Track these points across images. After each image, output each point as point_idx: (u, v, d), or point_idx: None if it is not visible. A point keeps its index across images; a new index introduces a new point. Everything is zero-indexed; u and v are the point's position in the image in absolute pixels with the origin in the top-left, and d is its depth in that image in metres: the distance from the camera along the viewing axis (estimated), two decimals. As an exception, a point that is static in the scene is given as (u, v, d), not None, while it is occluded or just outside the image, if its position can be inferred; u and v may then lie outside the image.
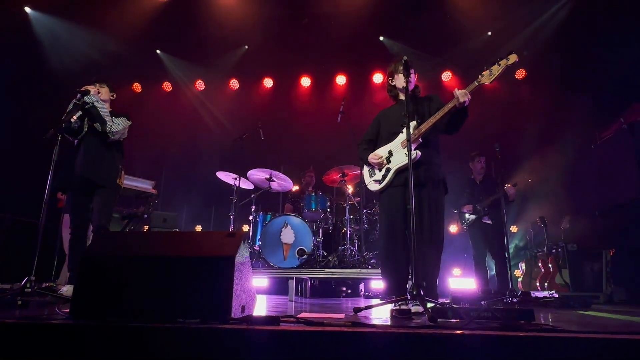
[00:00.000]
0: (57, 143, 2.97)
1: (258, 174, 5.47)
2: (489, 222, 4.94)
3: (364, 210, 5.31)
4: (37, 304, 2.53)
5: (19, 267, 5.47)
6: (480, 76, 2.76)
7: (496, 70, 2.70)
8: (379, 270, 4.21)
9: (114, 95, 3.74)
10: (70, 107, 3.28)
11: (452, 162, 5.19)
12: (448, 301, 3.38)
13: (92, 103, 3.40)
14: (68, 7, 6.63)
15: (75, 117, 3.41)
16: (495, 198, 4.73)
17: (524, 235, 6.61)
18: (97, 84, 3.58)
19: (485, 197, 4.96)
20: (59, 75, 6.71)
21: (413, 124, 2.80)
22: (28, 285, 2.57)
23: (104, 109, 3.47)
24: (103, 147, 3.51)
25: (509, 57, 2.68)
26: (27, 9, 6.69)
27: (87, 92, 3.37)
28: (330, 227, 5.33)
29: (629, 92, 5.77)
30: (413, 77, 2.96)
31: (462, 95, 2.70)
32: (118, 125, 3.51)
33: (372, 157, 3.03)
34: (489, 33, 7.14)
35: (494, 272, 5.34)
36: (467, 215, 5.07)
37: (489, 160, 5.28)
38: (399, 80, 3.00)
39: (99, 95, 3.55)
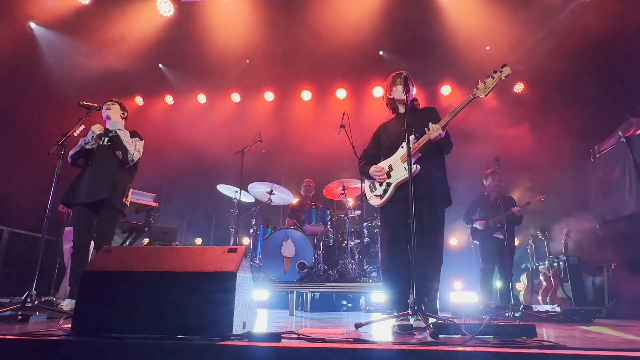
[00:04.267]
0: (60, 157, 2.99)
1: (259, 187, 5.48)
2: (501, 236, 4.95)
3: (365, 224, 5.31)
4: (38, 319, 2.52)
5: (18, 281, 5.47)
6: (475, 89, 2.79)
7: (490, 83, 2.74)
8: (380, 284, 4.20)
9: (125, 114, 3.78)
10: (82, 127, 3.32)
11: (462, 176, 5.25)
12: (449, 316, 3.36)
13: (115, 131, 3.49)
14: (72, 22, 6.73)
15: (77, 132, 3.45)
16: (506, 216, 4.76)
17: (525, 248, 6.59)
18: (110, 102, 3.64)
19: (496, 213, 5.00)
20: (62, 88, 6.78)
21: (412, 137, 2.81)
22: (29, 299, 2.55)
23: (127, 137, 3.55)
24: (114, 167, 3.55)
25: (502, 69, 2.72)
26: (32, 25, 6.79)
27: (99, 108, 3.47)
28: (331, 241, 5.32)
29: (627, 106, 5.82)
30: (412, 90, 2.99)
31: (433, 131, 2.74)
32: (138, 153, 3.63)
33: (374, 170, 3.03)
34: (488, 47, 7.22)
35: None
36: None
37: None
38: (397, 93, 3.03)
39: (109, 112, 3.61)
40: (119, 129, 3.53)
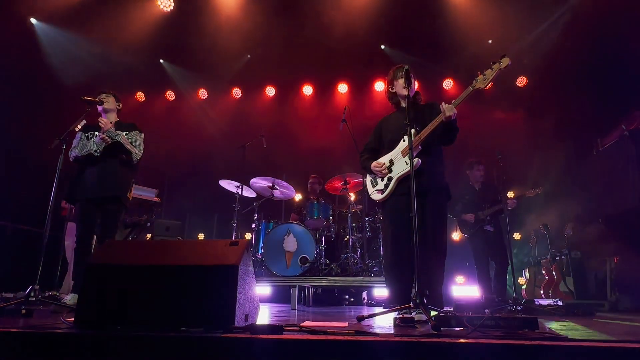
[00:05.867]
0: (62, 152, 3.00)
1: (260, 182, 5.48)
2: (491, 229, 4.94)
3: (366, 218, 5.31)
4: (41, 313, 2.53)
5: (21, 276, 5.49)
6: (474, 81, 2.79)
7: (490, 74, 2.74)
8: (382, 278, 4.21)
9: (120, 105, 3.80)
10: (84, 122, 3.33)
11: (450, 168, 5.21)
12: (451, 309, 3.36)
13: (114, 138, 3.50)
14: (72, 17, 6.70)
15: (79, 127, 3.47)
16: (498, 209, 4.75)
17: (527, 242, 6.58)
18: (104, 95, 3.65)
19: (485, 205, 4.96)
20: (63, 84, 6.78)
21: (413, 131, 2.79)
22: (32, 294, 2.57)
23: (126, 140, 3.57)
24: (118, 164, 3.57)
25: (501, 60, 2.72)
26: (33, 20, 6.78)
27: (101, 103, 3.52)
28: (333, 235, 5.32)
29: (630, 99, 5.78)
30: (413, 83, 2.97)
31: (448, 109, 2.71)
32: (140, 151, 3.65)
33: (375, 166, 3.03)
34: (490, 41, 7.17)
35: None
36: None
37: (490, 167, 5.28)
38: (399, 87, 3.00)
39: (107, 105, 3.62)
40: (117, 134, 3.52)
